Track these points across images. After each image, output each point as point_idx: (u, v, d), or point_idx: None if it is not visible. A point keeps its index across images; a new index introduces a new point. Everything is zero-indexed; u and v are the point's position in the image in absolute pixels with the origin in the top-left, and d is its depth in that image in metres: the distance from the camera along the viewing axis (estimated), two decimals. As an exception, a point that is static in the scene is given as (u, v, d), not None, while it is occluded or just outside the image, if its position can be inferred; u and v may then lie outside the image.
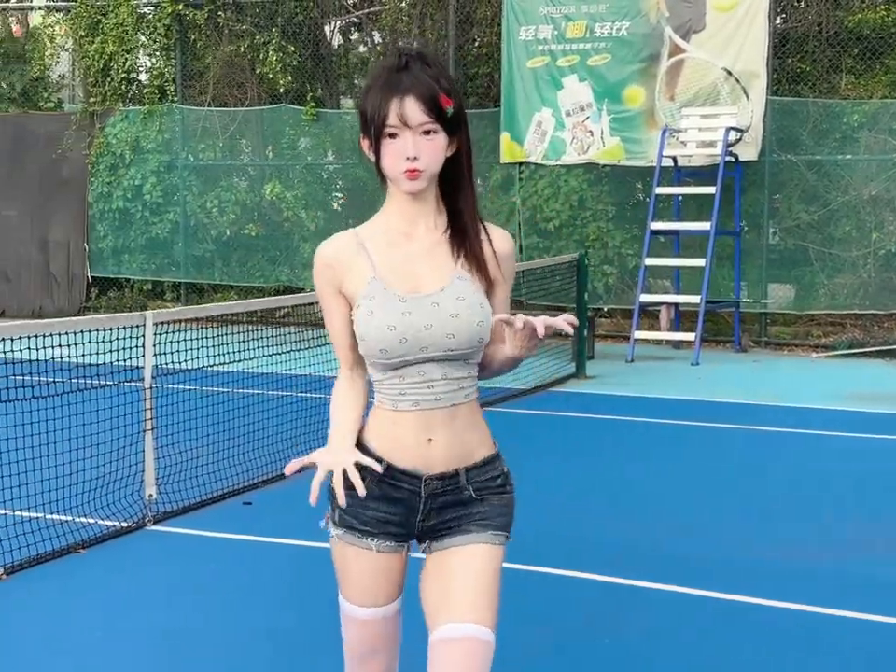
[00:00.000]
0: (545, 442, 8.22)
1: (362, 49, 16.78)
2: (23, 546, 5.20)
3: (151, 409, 5.74)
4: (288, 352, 7.86)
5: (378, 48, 16.22)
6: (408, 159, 2.43)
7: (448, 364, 2.49)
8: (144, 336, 5.72)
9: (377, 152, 2.47)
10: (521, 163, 14.17)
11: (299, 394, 7.97)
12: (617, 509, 6.32)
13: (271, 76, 15.17)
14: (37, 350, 5.60)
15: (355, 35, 16.94)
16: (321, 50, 15.77)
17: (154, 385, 5.84)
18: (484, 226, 2.58)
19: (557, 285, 12.45)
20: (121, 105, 15.89)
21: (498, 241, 2.59)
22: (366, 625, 2.60)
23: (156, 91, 15.70)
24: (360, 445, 2.54)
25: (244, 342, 7.54)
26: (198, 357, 6.88)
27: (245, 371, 8.61)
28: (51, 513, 5.54)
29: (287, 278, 15.30)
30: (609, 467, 7.40)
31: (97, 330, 5.87)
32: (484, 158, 14.52)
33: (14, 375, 5.62)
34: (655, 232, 12.99)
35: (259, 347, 7.70)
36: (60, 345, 5.79)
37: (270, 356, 7.73)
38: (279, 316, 15.47)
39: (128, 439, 6.05)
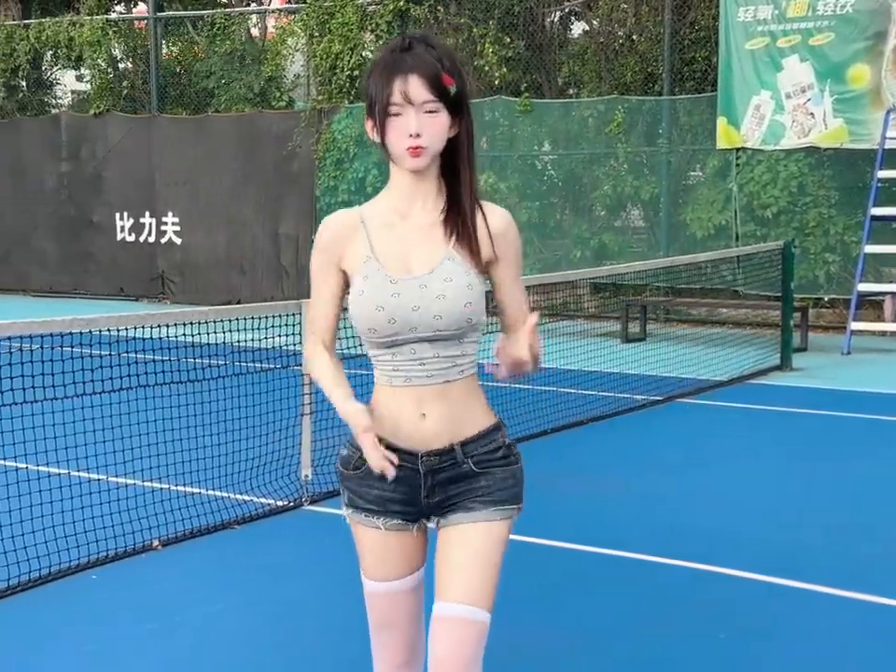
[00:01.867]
0: (739, 437, 7.99)
1: (579, 36, 16.68)
2: (178, 520, 5.54)
3: (311, 393, 5.96)
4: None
5: (597, 36, 16.10)
6: (411, 136, 2.48)
7: (440, 343, 2.53)
8: (301, 323, 5.96)
9: (382, 132, 2.51)
10: (738, 149, 13.74)
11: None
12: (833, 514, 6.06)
13: (487, 68, 15.35)
14: (215, 334, 5.92)
15: (573, 25, 16.88)
16: (538, 40, 15.80)
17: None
18: (481, 206, 2.60)
19: (768, 273, 12.03)
20: (346, 101, 16.46)
21: (493, 219, 2.60)
22: (381, 599, 2.68)
23: (378, 87, 16.14)
24: None
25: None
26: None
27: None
28: (211, 489, 5.87)
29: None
30: (806, 465, 7.12)
31: (261, 317, 6.16)
32: (701, 144, 14.21)
33: (187, 359, 6.00)
34: (877, 218, 12.32)
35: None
36: (228, 331, 6.10)
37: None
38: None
39: (287, 421, 6.32)
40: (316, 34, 16.63)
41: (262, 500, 5.99)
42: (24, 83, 19.50)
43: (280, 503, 5.98)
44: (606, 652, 4.19)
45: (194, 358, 6.24)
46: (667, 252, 14.32)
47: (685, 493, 6.48)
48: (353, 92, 16.42)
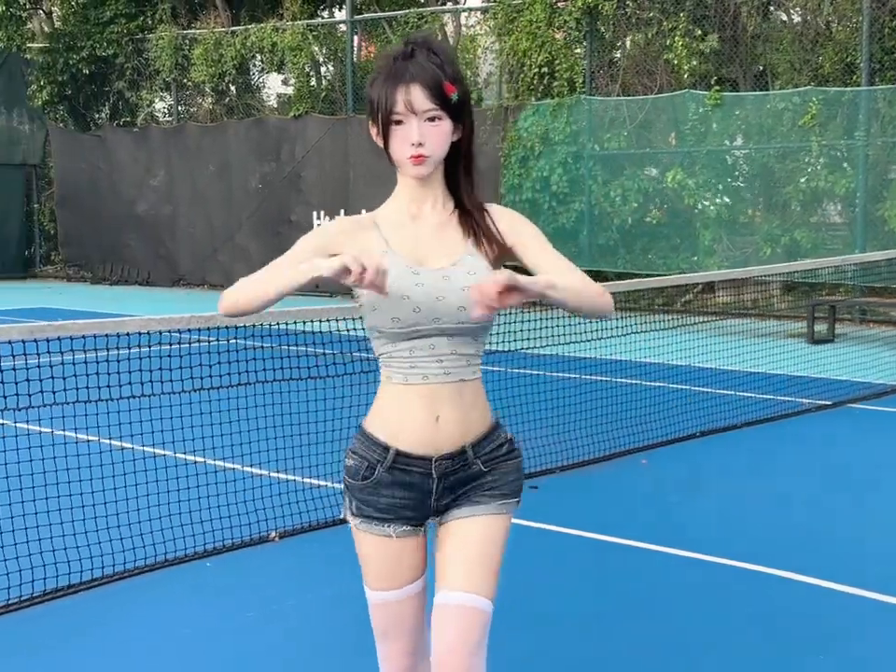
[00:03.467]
0: None
1: (775, 26, 16.09)
2: (300, 513, 5.71)
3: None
4: (609, 337, 7.89)
5: (795, 27, 15.52)
6: (413, 145, 2.51)
7: (458, 339, 2.55)
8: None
9: (385, 140, 2.55)
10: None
11: (616, 380, 7.98)
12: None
13: (676, 62, 15.06)
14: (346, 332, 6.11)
15: (770, 14, 16.30)
16: (729, 33, 15.36)
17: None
18: (485, 207, 2.64)
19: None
20: (533, 99, 16.48)
21: (497, 215, 2.63)
22: (389, 608, 2.69)
23: (566, 84, 16.11)
24: (364, 435, 2.64)
25: (566, 325, 7.64)
26: (505, 341, 7.14)
27: (563, 355, 8.77)
28: (336, 483, 6.03)
29: (689, 265, 15.12)
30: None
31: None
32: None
33: (350, 353, 6.17)
34: None
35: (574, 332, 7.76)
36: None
37: (588, 341, 7.80)
38: (682, 304, 15.39)
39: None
40: (503, 32, 16.71)
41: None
42: (233, 88, 20.45)
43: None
44: None
45: (351, 352, 6.43)
46: (864, 249, 13.68)
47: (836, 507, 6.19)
48: (540, 90, 16.43)
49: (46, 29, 22.14)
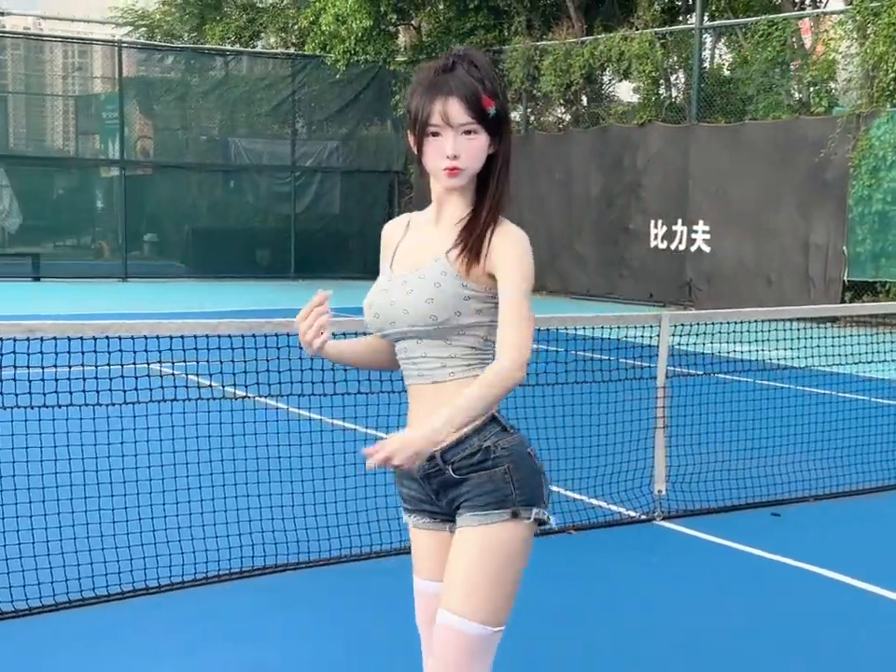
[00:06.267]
0: None
1: None
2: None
3: (664, 407, 5.87)
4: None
5: None
6: (448, 157, 2.54)
7: (426, 342, 2.60)
8: (659, 336, 5.89)
9: (420, 150, 2.59)
10: None
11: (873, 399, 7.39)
12: None
13: None
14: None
15: None
16: None
17: (667, 385, 5.96)
18: (497, 223, 2.57)
19: None
20: (889, 105, 15.45)
21: (497, 236, 2.55)
22: (418, 595, 2.78)
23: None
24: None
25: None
26: (712, 363, 6.83)
27: (854, 374, 8.23)
28: (567, 490, 6.02)
29: None
30: None
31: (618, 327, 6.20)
32: None
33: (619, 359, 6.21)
34: None
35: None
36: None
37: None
38: None
39: (639, 433, 6.25)
40: (861, 35, 15.78)
41: (613, 507, 6.00)
42: (584, 97, 20.67)
43: (631, 514, 5.96)
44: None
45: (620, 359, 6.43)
46: None
47: None
48: (896, 96, 15.38)
49: (411, 42, 23.41)
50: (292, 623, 4.50)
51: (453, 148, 2.53)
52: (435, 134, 2.55)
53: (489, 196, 2.60)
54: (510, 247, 2.55)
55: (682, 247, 17.81)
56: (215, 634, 4.39)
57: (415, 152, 2.63)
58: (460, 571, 2.56)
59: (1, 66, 26.82)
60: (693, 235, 17.60)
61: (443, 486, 2.64)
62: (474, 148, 2.55)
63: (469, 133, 2.54)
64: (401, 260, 2.69)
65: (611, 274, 19.03)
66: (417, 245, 2.68)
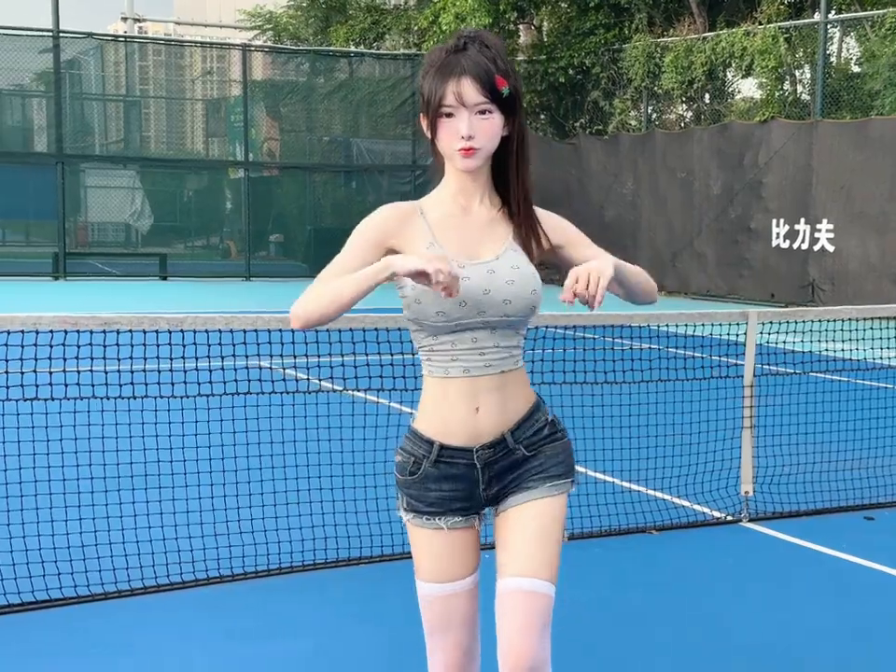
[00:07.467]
0: None
1: None
2: (596, 516, 5.70)
3: (752, 406, 5.77)
4: None
5: None
6: (463, 138, 2.53)
7: (501, 332, 2.60)
8: (746, 335, 5.79)
9: (433, 131, 2.59)
10: None
11: None
12: None
13: None
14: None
15: None
16: None
17: (758, 384, 5.86)
18: (531, 206, 2.67)
19: None
20: None
21: (544, 216, 2.71)
22: (439, 601, 2.70)
23: None
24: (412, 433, 2.70)
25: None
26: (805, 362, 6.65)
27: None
28: (649, 489, 5.97)
29: None
30: None
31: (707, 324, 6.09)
32: None
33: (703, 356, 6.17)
34: None
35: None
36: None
37: None
38: None
39: (725, 433, 6.15)
40: None
41: (697, 508, 5.93)
42: (706, 94, 20.35)
43: (716, 515, 5.87)
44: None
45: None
46: None
47: None
48: None
49: (532, 42, 23.39)
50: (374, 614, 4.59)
51: (468, 129, 2.52)
52: (449, 115, 2.54)
53: (514, 179, 2.63)
54: (560, 220, 2.74)
55: (805, 246, 17.38)
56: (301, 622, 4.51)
57: (428, 136, 2.62)
58: (541, 539, 2.61)
59: (142, 72, 27.79)
60: (817, 234, 17.16)
61: (505, 470, 2.66)
62: (489, 128, 2.54)
63: (483, 112, 2.53)
64: (454, 249, 2.57)
65: (732, 275, 18.69)
66: (465, 234, 2.61)
